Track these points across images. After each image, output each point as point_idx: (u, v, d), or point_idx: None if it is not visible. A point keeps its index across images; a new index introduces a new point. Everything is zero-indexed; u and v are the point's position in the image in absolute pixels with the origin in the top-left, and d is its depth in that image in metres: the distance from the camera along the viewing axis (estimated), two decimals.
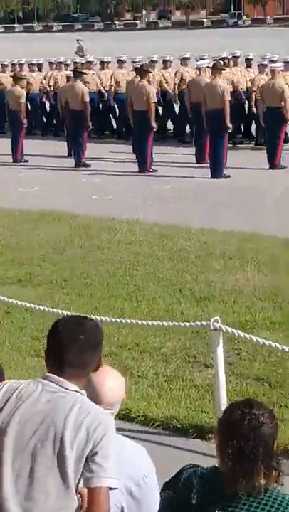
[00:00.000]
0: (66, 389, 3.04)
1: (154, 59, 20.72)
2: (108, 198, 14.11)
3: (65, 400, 3.00)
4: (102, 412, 3.04)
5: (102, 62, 21.59)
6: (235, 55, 20.04)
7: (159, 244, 10.76)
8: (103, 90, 20.93)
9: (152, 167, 16.55)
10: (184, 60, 20.35)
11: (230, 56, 19.87)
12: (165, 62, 20.79)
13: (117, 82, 20.50)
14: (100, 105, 21.14)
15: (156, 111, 17.82)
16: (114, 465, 2.93)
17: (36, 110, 22.06)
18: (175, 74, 20.23)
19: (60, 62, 22.48)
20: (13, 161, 18.24)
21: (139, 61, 20.18)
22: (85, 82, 18.56)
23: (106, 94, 20.96)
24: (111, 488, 2.90)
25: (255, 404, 2.90)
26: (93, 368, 3.17)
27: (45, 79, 22.17)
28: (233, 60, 19.73)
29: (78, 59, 24.66)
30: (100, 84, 20.89)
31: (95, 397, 3.18)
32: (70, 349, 3.08)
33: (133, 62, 20.51)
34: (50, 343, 3.17)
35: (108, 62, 21.65)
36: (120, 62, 21.21)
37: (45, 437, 2.94)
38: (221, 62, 17.34)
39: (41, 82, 22.14)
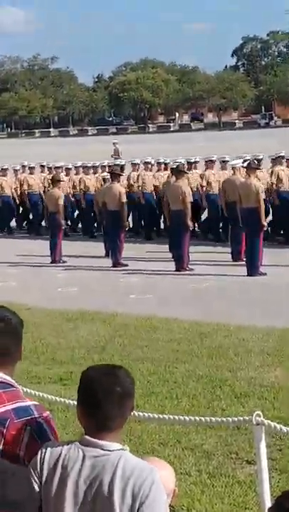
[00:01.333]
0: (108, 450, 3.04)
1: (194, 160, 21.34)
2: (147, 297, 14.30)
3: (108, 462, 3.00)
4: (146, 467, 3.03)
5: (145, 163, 22.23)
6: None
7: (198, 341, 10.87)
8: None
9: (189, 265, 16.77)
10: (210, 163, 20.88)
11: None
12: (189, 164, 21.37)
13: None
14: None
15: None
16: None
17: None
18: (201, 176, 20.77)
19: (87, 167, 23.33)
20: (52, 262, 18.59)
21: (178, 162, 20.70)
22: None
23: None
24: None
25: None
26: (129, 413, 3.16)
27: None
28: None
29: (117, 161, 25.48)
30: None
31: None
32: (108, 404, 3.06)
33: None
34: (84, 398, 3.12)
35: (152, 164, 22.33)
36: (158, 164, 21.97)
37: (97, 505, 2.98)
38: (255, 161, 17.72)
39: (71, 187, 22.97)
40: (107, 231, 18.85)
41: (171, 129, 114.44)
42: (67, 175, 23.15)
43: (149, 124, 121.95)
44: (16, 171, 25.20)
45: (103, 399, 3.08)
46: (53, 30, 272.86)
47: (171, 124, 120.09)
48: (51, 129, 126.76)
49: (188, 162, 21.02)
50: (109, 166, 22.27)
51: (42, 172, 24.61)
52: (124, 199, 17.84)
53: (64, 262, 18.62)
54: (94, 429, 3.10)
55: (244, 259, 16.49)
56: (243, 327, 11.43)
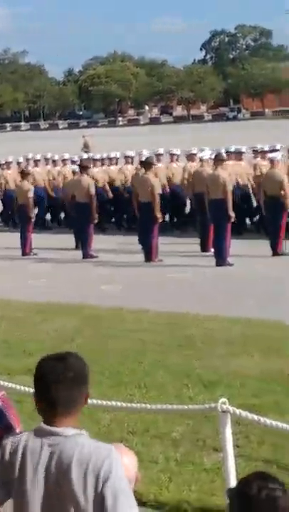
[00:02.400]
0: (65, 436, 3.08)
1: (159, 153, 21.33)
2: (116, 288, 14.35)
3: (65, 449, 3.05)
4: (104, 448, 3.07)
5: (109, 158, 22.19)
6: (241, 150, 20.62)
7: (166, 331, 10.94)
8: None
9: (158, 257, 16.85)
10: (191, 156, 20.91)
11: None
12: (172, 156, 21.37)
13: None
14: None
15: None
16: (128, 495, 3.00)
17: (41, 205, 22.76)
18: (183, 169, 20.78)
19: (65, 160, 23.24)
20: (22, 255, 18.59)
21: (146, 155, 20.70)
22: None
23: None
24: None
25: (269, 477, 2.87)
26: (84, 402, 3.19)
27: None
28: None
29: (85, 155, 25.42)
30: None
31: None
32: (58, 388, 3.10)
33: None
34: (37, 384, 3.18)
35: (117, 159, 22.26)
36: (127, 157, 21.90)
37: (59, 492, 3.02)
38: (223, 153, 17.81)
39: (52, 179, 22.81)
40: (76, 223, 18.85)
41: (141, 123, 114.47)
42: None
43: (119, 117, 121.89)
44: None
45: (54, 384, 3.12)
46: (23, 25, 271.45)
47: (141, 118, 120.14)
48: (22, 123, 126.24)
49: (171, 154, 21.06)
50: (109, 159, 22.09)
51: (47, 164, 24.12)
52: (93, 191, 17.86)
53: (35, 254, 18.62)
54: (48, 415, 3.14)
55: (212, 249, 16.59)
56: (211, 317, 11.52)
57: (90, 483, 2.99)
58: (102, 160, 22.44)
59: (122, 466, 3.09)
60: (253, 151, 20.69)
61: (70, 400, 3.13)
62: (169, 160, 21.57)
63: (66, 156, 23.47)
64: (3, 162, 23.74)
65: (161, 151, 21.59)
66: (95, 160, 22.35)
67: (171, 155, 21.39)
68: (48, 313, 12.48)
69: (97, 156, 22.80)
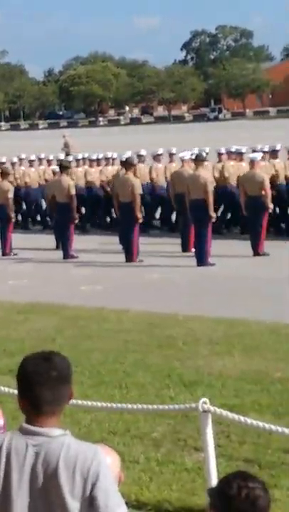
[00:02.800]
0: (50, 437, 3.06)
1: (141, 153, 21.24)
2: (97, 289, 14.34)
3: (50, 449, 3.03)
4: (90, 449, 3.07)
5: (106, 159, 22.03)
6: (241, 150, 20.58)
7: (148, 332, 10.94)
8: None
9: (139, 257, 16.84)
10: (157, 157, 20.92)
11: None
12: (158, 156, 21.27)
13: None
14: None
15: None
16: (116, 493, 3.02)
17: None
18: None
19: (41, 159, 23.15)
20: (2, 255, 18.54)
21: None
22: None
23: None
24: None
25: (249, 477, 2.87)
26: (67, 401, 3.17)
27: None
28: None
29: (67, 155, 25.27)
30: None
31: None
32: (42, 387, 3.08)
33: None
34: (20, 384, 3.15)
35: (99, 160, 22.14)
36: (107, 159, 21.80)
37: (46, 493, 3.01)
38: (204, 153, 17.82)
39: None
40: (56, 224, 18.82)
41: (122, 123, 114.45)
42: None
43: (100, 117, 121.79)
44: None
45: (36, 382, 3.10)
46: (2, 24, 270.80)
47: (122, 118, 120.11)
48: (2, 123, 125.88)
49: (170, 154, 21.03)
50: (113, 159, 21.92)
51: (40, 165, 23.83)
52: (73, 191, 17.82)
53: (15, 254, 18.57)
54: (32, 415, 3.11)
55: (193, 250, 16.61)
56: (192, 317, 11.54)
57: (78, 484, 2.98)
58: (98, 160, 22.22)
59: (109, 467, 3.09)
60: (253, 151, 20.41)
61: (54, 399, 3.11)
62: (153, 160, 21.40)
63: (61, 156, 23.15)
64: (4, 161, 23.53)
65: (143, 152, 21.46)
66: (91, 160, 22.12)
67: (156, 155, 21.29)
68: (28, 313, 12.46)
69: (94, 157, 22.44)
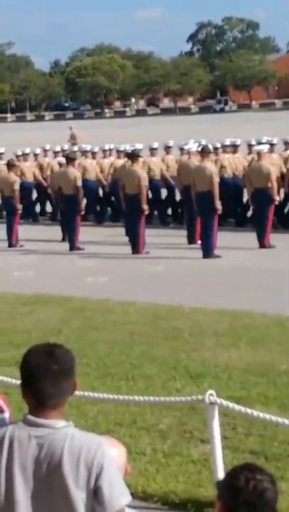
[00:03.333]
0: (53, 428, 3.07)
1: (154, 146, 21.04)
2: (102, 280, 14.35)
3: (54, 441, 3.04)
4: (94, 440, 3.07)
5: (103, 151, 21.96)
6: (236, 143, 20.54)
7: (153, 323, 10.95)
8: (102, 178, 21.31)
9: (145, 249, 16.84)
10: (168, 149, 20.85)
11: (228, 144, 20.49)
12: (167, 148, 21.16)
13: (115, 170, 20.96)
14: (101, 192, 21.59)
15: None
16: (121, 484, 3.04)
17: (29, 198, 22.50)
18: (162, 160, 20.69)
19: (53, 151, 23.09)
20: (9, 246, 18.55)
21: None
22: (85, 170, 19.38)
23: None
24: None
25: (257, 469, 2.87)
26: (71, 393, 3.17)
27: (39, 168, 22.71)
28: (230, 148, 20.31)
29: (75, 147, 25.10)
30: (99, 172, 21.28)
31: None
32: (45, 381, 3.08)
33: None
34: (23, 377, 3.15)
35: (110, 150, 21.96)
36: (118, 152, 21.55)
37: (50, 484, 3.01)
38: (210, 146, 17.80)
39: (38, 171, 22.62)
40: (63, 215, 18.81)
41: (128, 114, 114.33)
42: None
43: (106, 109, 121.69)
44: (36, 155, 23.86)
45: (39, 376, 3.10)
46: (9, 16, 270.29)
47: (128, 109, 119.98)
48: (8, 115, 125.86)
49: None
50: (118, 151, 21.80)
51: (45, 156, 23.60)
52: (80, 183, 17.81)
53: (21, 246, 18.58)
54: (34, 407, 3.12)
55: (199, 242, 16.61)
56: (198, 309, 11.54)
57: (82, 475, 2.99)
58: (110, 151, 22.11)
59: (113, 458, 3.10)
60: (285, 143, 20.18)
61: (57, 392, 3.12)
62: (164, 152, 21.31)
63: (88, 147, 22.38)
64: (20, 153, 23.32)
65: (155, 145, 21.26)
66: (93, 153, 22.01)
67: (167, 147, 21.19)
68: (34, 304, 12.46)
69: (106, 147, 22.29)
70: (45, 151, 23.61)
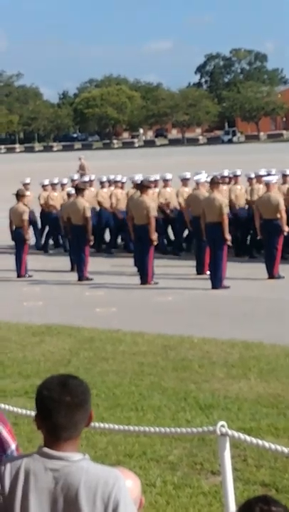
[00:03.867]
0: (70, 461, 3.05)
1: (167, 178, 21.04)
2: (112, 311, 14.35)
3: (71, 474, 3.02)
4: (110, 474, 3.05)
5: (115, 182, 22.00)
6: (236, 173, 20.66)
7: (163, 354, 10.93)
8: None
9: (154, 279, 16.85)
10: (184, 181, 20.89)
11: (231, 174, 20.58)
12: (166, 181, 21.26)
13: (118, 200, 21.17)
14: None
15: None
16: None
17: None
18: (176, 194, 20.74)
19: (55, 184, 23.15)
20: (18, 277, 18.58)
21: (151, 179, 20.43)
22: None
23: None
24: None
25: (271, 501, 2.88)
26: (86, 424, 3.15)
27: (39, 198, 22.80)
28: (233, 178, 20.47)
29: (84, 177, 25.19)
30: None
31: None
32: (58, 414, 3.06)
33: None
34: (38, 408, 3.14)
35: (123, 183, 21.97)
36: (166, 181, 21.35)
37: None
38: (219, 176, 17.85)
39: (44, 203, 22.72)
40: (72, 246, 18.85)
41: (136, 145, 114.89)
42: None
43: (114, 140, 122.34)
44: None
45: (52, 408, 3.09)
46: (18, 47, 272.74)
47: (136, 140, 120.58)
48: (16, 145, 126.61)
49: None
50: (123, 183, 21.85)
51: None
52: (89, 214, 17.87)
53: (30, 276, 18.61)
54: (49, 439, 3.10)
55: (208, 272, 16.61)
56: (207, 339, 11.53)
57: (99, 509, 2.98)
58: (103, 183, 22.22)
59: (129, 492, 3.08)
60: (283, 175, 20.19)
61: (71, 424, 3.10)
62: (162, 184, 21.36)
63: (119, 177, 22.33)
64: (47, 183, 23.35)
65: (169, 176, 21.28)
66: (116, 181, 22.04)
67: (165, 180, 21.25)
68: (43, 335, 12.46)
69: (119, 178, 22.35)
70: (72, 180, 23.58)
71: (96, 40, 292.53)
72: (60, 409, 3.08)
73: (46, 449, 3.09)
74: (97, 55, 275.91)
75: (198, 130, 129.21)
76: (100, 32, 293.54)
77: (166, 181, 21.10)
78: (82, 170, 37.00)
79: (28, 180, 23.16)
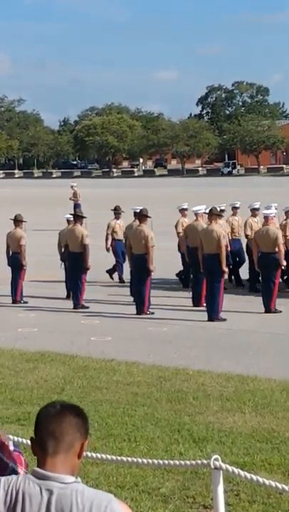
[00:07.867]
0: (64, 483, 3.07)
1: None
2: (106, 340, 14.28)
3: (65, 496, 3.04)
4: (104, 496, 3.07)
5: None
6: (235, 205, 20.77)
7: (157, 385, 10.87)
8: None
9: (150, 309, 16.80)
10: (183, 211, 20.95)
11: (230, 206, 20.69)
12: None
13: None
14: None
15: None
16: None
17: None
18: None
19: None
20: (13, 302, 18.51)
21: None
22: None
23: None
24: None
25: None
26: (78, 453, 3.16)
27: None
28: (233, 210, 20.57)
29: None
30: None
31: None
32: (55, 440, 3.12)
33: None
34: (35, 432, 3.21)
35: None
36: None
37: None
38: (218, 208, 17.88)
39: None
40: (69, 273, 18.80)
41: (135, 174, 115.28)
42: None
43: (114, 168, 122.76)
44: None
45: (50, 435, 3.14)
46: (20, 73, 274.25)
47: (135, 169, 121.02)
48: (15, 171, 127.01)
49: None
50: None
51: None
52: (87, 241, 17.85)
53: (25, 302, 18.54)
54: (41, 455, 3.14)
55: (204, 304, 16.57)
56: (203, 372, 11.48)
57: None
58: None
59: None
60: (266, 207, 20.25)
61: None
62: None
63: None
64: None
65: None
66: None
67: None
68: (37, 362, 12.40)
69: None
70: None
71: (98, 68, 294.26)
72: (57, 436, 3.13)
73: (38, 469, 3.11)
74: (99, 83, 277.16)
75: (198, 161, 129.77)
76: (102, 60, 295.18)
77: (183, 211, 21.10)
78: (74, 197, 37.79)
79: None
